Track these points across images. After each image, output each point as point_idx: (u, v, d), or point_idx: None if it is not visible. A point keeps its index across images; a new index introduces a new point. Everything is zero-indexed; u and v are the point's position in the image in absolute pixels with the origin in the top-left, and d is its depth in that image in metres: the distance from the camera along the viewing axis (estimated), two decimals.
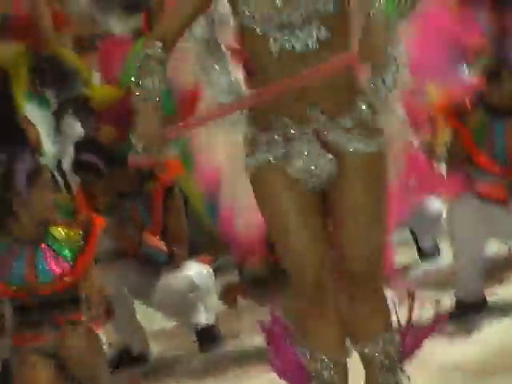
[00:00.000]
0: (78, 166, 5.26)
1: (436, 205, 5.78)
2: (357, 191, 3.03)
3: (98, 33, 7.69)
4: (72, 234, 4.51)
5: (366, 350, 3.19)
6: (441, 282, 5.47)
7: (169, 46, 2.87)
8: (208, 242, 5.53)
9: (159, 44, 2.81)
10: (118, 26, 7.69)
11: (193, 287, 4.85)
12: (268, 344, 3.52)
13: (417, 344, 3.38)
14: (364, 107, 2.99)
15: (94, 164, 5.07)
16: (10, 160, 4.43)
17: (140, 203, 5.06)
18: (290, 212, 3.07)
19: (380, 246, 3.13)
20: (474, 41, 3.56)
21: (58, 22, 6.81)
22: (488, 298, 5.01)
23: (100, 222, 4.45)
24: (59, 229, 4.50)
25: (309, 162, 3.00)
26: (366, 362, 3.23)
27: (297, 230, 3.07)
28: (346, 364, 3.25)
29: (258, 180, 3.06)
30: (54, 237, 4.52)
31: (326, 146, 2.95)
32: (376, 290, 3.15)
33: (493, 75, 5.08)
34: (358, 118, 2.97)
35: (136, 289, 4.86)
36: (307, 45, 2.78)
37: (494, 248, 5.58)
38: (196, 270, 4.93)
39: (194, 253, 5.16)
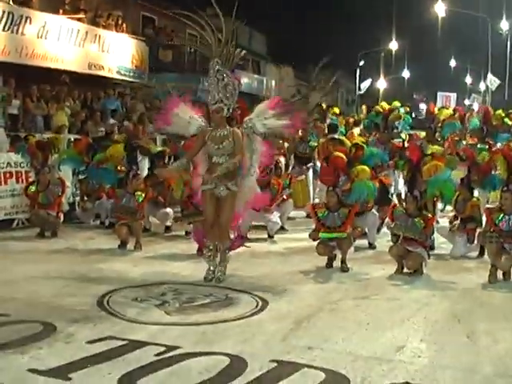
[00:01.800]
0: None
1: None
2: (227, 201, 7.84)
3: None
4: (141, 193, 10.00)
5: (220, 246, 7.96)
6: None
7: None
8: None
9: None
10: None
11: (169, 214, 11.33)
12: (194, 234, 9.16)
13: (235, 246, 8.28)
14: (233, 181, 7.83)
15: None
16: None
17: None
18: (208, 203, 7.92)
19: (231, 218, 8.03)
20: None
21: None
22: None
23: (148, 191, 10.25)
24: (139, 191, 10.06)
25: (219, 189, 7.80)
26: (220, 252, 7.98)
27: (208, 208, 7.94)
28: (216, 245, 7.95)
29: (203, 193, 7.93)
30: (136, 192, 9.96)
31: (226, 186, 7.80)
32: (228, 228, 8.09)
33: None
34: (234, 182, 7.80)
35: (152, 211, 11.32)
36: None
37: None
38: (169, 210, 11.30)
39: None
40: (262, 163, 8.22)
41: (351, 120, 18.14)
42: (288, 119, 7.90)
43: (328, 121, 16.26)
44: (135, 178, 10.23)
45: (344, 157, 10.08)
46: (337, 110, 16.96)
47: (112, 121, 16.20)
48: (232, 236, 8.32)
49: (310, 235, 9.08)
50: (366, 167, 9.80)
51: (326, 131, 15.02)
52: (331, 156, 10.28)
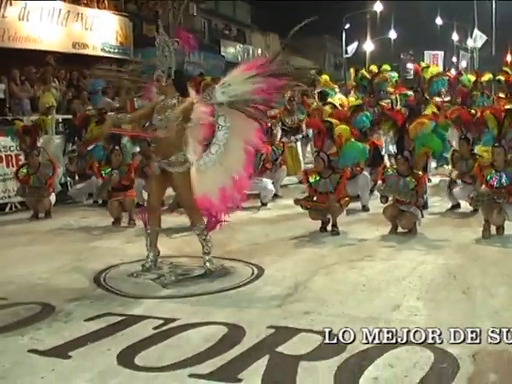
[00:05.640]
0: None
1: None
2: (178, 180, 6.86)
3: None
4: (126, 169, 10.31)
5: (196, 230, 7.07)
6: None
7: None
8: None
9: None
10: None
11: None
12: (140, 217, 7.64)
13: (210, 226, 7.12)
14: (181, 154, 6.83)
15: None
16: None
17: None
18: (153, 183, 7.19)
19: (192, 198, 6.94)
20: None
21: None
22: None
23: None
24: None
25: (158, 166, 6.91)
26: (198, 238, 7.04)
27: (152, 189, 7.25)
28: (158, 230, 7.26)
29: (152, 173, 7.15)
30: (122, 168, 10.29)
31: (168, 162, 6.80)
32: (194, 209, 7.02)
33: None
34: (178, 157, 6.79)
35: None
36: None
37: None
38: None
39: None
40: (247, 144, 6.98)
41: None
42: (262, 83, 6.60)
43: (318, 89, 16.11)
44: (113, 154, 10.34)
45: (319, 119, 10.04)
46: (326, 77, 16.81)
47: (107, 99, 15.94)
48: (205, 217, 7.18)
49: (295, 201, 9.13)
50: (345, 126, 9.71)
51: (317, 98, 14.92)
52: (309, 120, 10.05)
